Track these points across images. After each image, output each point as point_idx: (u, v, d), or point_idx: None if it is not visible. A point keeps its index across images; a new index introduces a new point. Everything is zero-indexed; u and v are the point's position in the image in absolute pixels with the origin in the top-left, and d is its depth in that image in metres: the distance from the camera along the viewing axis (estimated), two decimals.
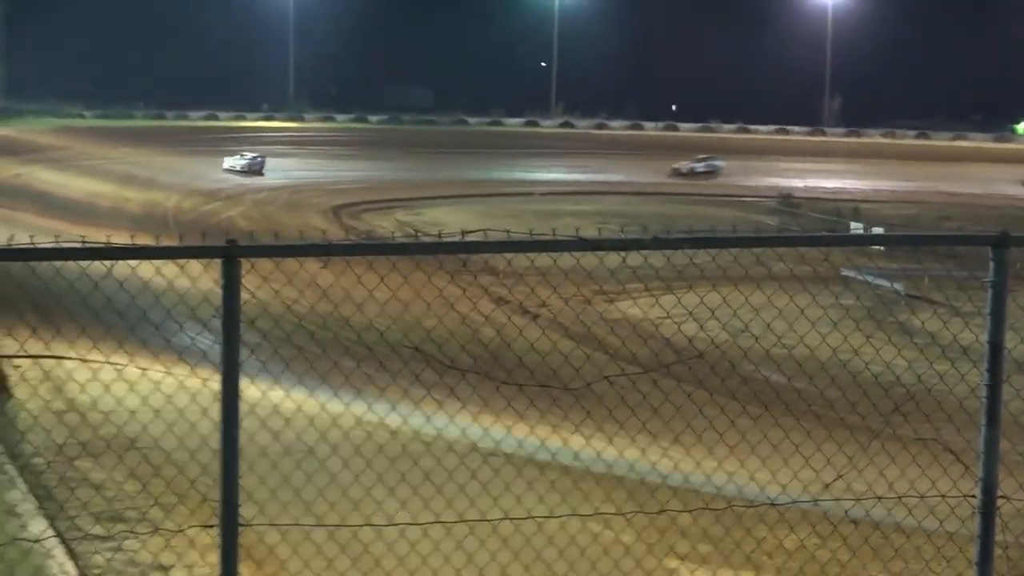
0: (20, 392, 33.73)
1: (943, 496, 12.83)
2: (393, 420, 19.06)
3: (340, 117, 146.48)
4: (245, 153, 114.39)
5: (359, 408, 25.11)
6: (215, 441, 7.90)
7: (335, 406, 27.62)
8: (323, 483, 14.86)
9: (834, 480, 19.08)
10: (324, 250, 9.57)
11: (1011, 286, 8.92)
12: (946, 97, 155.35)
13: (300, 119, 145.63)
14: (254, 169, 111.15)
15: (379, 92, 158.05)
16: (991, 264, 8.84)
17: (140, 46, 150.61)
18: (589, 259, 10.23)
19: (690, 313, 45.03)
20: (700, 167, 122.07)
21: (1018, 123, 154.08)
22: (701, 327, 39.60)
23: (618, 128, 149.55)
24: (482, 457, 19.51)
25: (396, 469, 14.89)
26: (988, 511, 8.89)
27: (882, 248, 64.85)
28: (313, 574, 17.58)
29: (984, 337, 8.96)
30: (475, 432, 23.46)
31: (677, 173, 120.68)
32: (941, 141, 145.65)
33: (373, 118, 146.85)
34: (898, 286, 61.45)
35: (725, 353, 37.56)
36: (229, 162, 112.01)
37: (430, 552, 15.37)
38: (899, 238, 70.74)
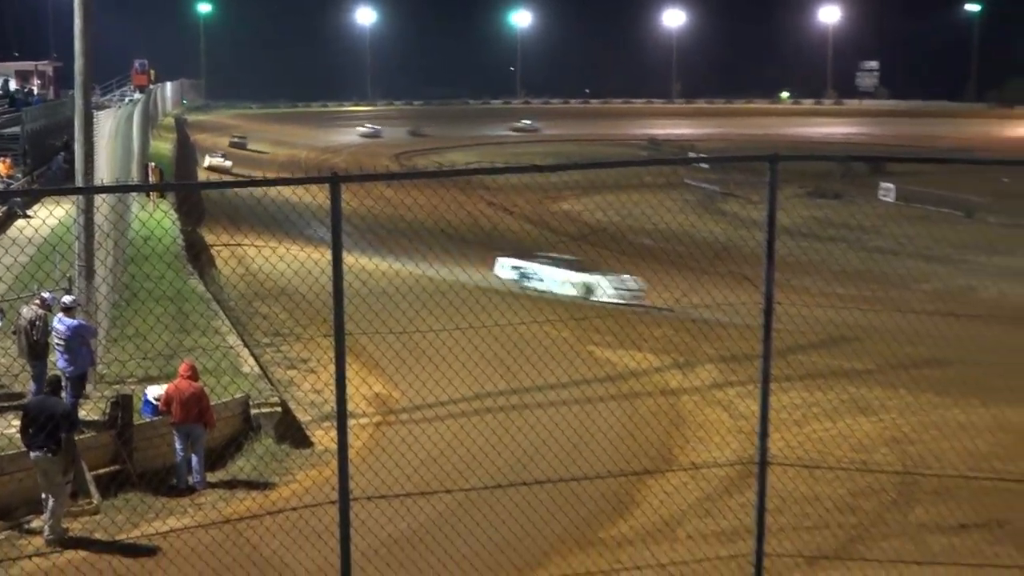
0: (220, 265, 33.65)
1: (743, 303, 12.88)
2: (431, 272, 18.99)
3: (397, 102, 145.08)
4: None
5: (411, 266, 25.04)
6: (330, 287, 7.87)
7: (397, 265, 27.60)
8: (392, 308, 14.85)
9: (681, 296, 18.97)
10: (390, 177, 9.49)
11: (780, 186, 8.96)
12: (740, 76, 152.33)
13: (374, 104, 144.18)
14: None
15: (419, 87, 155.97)
16: (769, 173, 8.84)
17: (282, 63, 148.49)
18: (540, 178, 10.25)
19: (598, 207, 44.91)
20: (528, 125, 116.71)
21: (782, 93, 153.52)
22: (604, 214, 39.55)
23: (556, 104, 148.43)
24: (482, 291, 19.37)
25: (433, 300, 14.83)
26: (768, 309, 8.93)
27: (708, 167, 64.56)
28: (387, 359, 17.62)
29: (764, 215, 8.96)
30: (478, 277, 23.35)
31: (515, 130, 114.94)
32: (739, 104, 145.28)
33: (416, 102, 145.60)
34: (716, 188, 61.33)
35: (619, 229, 37.51)
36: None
37: (453, 344, 15.41)
38: (716, 159, 70.67)
